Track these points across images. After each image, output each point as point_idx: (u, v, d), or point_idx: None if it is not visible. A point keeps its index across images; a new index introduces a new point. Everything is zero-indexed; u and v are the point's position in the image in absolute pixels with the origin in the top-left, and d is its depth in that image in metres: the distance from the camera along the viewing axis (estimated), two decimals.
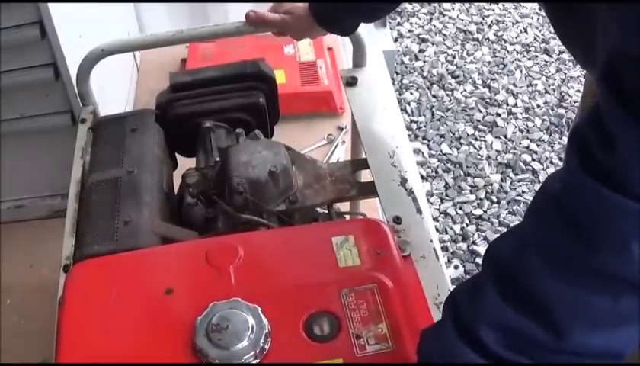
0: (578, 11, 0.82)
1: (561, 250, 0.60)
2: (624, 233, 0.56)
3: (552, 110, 2.56)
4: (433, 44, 2.89)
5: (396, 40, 2.89)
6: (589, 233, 0.58)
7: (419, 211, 1.00)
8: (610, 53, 0.58)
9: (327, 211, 1.13)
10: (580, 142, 0.60)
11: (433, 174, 2.32)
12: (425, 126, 2.50)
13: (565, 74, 2.71)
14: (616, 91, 0.56)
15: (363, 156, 1.16)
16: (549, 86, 2.66)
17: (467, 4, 3.05)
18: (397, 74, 2.72)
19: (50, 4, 1.38)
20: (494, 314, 0.63)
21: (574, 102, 2.56)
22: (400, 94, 2.63)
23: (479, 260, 2.02)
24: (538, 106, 2.58)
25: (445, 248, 2.07)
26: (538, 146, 2.41)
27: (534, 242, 0.63)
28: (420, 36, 2.92)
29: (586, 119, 0.60)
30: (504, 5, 3.07)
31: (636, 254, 0.56)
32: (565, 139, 2.37)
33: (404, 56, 2.82)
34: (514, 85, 2.67)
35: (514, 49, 2.85)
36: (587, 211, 0.58)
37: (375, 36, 2.45)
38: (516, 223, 2.08)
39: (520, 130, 2.48)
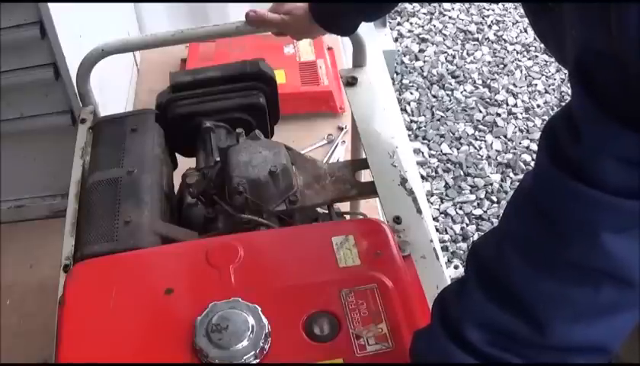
0: (551, 10, 0.83)
1: (534, 244, 0.60)
2: (593, 224, 0.57)
3: (552, 110, 2.55)
4: (433, 44, 2.88)
5: (396, 40, 2.89)
6: (559, 225, 0.58)
7: (419, 211, 1.00)
8: (578, 49, 0.58)
9: (327, 211, 1.13)
10: (551, 137, 0.61)
11: (433, 174, 2.32)
12: (425, 126, 2.50)
13: (565, 74, 2.70)
14: (585, 85, 0.57)
15: (363, 156, 1.16)
16: (549, 86, 2.66)
17: (467, 4, 3.05)
18: (397, 74, 2.72)
19: (50, 4, 1.38)
20: (478, 313, 0.63)
21: None
22: (400, 94, 2.62)
23: None
24: (538, 106, 2.57)
25: (445, 248, 2.06)
26: (538, 145, 2.41)
27: (510, 236, 0.63)
28: (420, 36, 2.92)
29: (558, 114, 0.61)
30: (504, 5, 3.06)
31: (607, 244, 0.56)
32: None
33: (404, 56, 2.82)
34: (514, 85, 2.67)
35: (514, 49, 2.84)
36: (556, 204, 0.59)
37: (375, 36, 2.45)
38: None
39: (520, 130, 2.48)
